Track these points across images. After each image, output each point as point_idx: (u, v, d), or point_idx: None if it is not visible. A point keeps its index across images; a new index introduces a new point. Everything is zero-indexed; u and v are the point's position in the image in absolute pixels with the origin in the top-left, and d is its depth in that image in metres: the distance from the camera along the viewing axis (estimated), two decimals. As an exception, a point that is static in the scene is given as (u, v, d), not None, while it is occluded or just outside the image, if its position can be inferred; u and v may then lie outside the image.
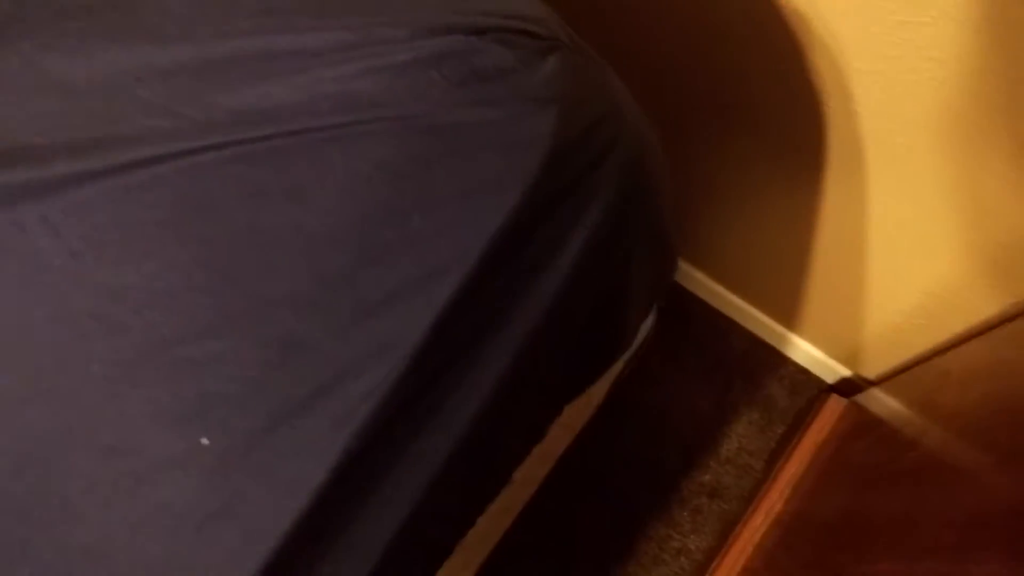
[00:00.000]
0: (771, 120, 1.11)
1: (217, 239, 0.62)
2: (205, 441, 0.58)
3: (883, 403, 1.33)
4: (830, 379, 1.58)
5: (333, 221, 0.63)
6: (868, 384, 1.48)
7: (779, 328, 1.58)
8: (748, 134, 1.17)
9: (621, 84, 0.80)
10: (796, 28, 0.94)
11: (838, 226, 1.23)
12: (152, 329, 0.60)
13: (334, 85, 0.65)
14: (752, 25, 0.98)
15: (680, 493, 1.55)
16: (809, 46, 0.95)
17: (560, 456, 1.43)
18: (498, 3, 0.71)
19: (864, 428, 1.33)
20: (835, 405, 1.47)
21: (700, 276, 1.61)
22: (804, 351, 1.58)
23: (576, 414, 1.18)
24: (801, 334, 1.56)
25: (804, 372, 1.62)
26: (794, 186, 1.19)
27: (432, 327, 0.64)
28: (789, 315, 1.53)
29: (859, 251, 1.26)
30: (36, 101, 0.64)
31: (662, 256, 0.96)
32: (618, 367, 1.17)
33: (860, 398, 1.44)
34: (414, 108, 0.65)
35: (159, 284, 0.61)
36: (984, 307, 1.12)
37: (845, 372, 1.54)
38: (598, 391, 1.17)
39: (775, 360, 1.64)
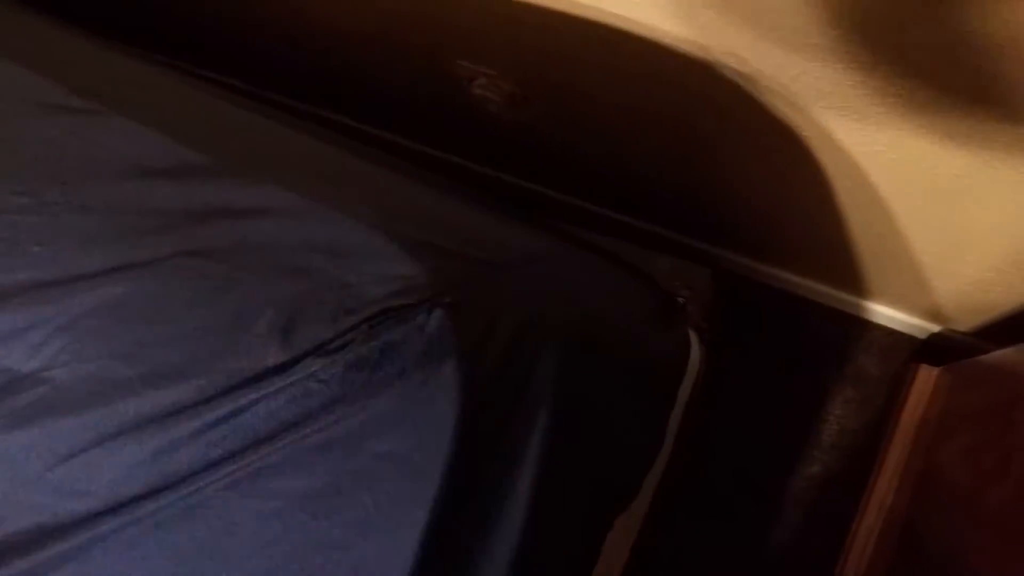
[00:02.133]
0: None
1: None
2: None
3: (987, 365, 1.24)
4: (920, 335, 1.49)
5: (256, 567, 0.65)
6: (964, 337, 1.39)
7: (854, 299, 1.49)
8: (759, 150, 1.12)
9: (539, 274, 0.77)
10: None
11: (877, 200, 1.15)
12: None
13: (220, 431, 0.66)
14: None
15: (790, 491, 1.52)
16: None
17: (657, 485, 1.41)
18: (361, 286, 0.69)
19: (963, 401, 1.25)
20: (926, 376, 1.39)
21: (757, 265, 1.54)
22: (885, 314, 1.49)
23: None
24: (878, 299, 1.47)
25: (891, 334, 1.53)
26: (814, 183, 1.13)
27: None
28: (860, 283, 1.45)
29: (908, 214, 1.18)
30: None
31: (650, 377, 0.92)
32: (685, 395, 1.15)
33: (955, 366, 1.35)
34: (302, 428, 0.65)
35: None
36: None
37: (934, 328, 1.44)
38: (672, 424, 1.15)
39: (857, 329, 1.56)
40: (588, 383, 0.81)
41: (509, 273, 0.77)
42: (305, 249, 0.73)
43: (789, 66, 0.84)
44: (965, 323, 1.41)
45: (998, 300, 1.28)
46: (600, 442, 0.86)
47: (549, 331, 0.76)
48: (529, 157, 1.49)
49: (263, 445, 0.66)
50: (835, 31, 0.75)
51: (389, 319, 0.69)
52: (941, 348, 1.47)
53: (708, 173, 1.26)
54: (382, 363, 0.68)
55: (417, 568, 0.66)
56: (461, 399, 0.69)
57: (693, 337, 1.16)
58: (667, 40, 0.90)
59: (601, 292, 0.87)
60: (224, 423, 0.67)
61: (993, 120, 0.82)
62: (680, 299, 1.12)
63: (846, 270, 1.43)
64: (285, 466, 0.66)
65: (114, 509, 0.67)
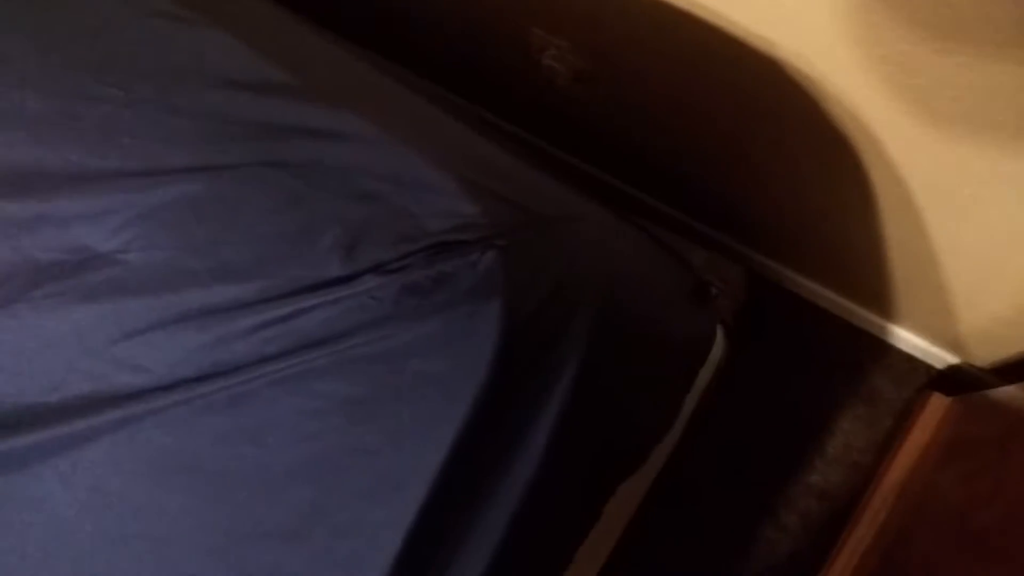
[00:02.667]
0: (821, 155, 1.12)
1: (196, 485, 0.72)
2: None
3: (992, 399, 1.28)
4: (938, 365, 1.53)
5: (291, 459, 0.70)
6: (979, 372, 1.42)
7: (878, 319, 1.53)
8: (809, 157, 1.17)
9: (583, 234, 0.82)
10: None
11: (919, 225, 1.18)
12: (161, 574, 0.70)
13: (275, 329, 0.71)
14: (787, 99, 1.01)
15: (787, 495, 1.56)
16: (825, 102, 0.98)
17: (662, 466, 1.46)
18: (423, 217, 0.74)
19: (968, 430, 1.29)
20: (937, 404, 1.43)
21: (789, 272, 1.58)
22: (907, 339, 1.53)
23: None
24: (902, 323, 1.51)
25: (909, 360, 1.58)
26: (859, 198, 1.18)
27: (404, 539, 0.70)
28: (887, 305, 1.49)
29: (946, 244, 1.21)
30: (36, 362, 0.74)
31: (673, 355, 0.97)
32: (703, 382, 1.20)
33: (966, 397, 1.39)
34: (352, 339, 0.71)
35: (154, 532, 0.71)
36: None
37: (953, 359, 1.48)
38: (684, 409, 1.19)
39: (877, 350, 1.60)
40: (616, 346, 0.86)
41: (558, 228, 0.82)
42: (376, 176, 0.79)
43: (855, 74, 0.87)
44: (983, 358, 1.44)
45: (1018, 339, 1.31)
46: (617, 405, 0.91)
47: (588, 289, 0.81)
48: (584, 135, 1.54)
49: (314, 349, 0.71)
50: (905, 45, 0.79)
51: (446, 251, 0.74)
52: (956, 379, 1.50)
53: (756, 174, 1.29)
54: (434, 290, 0.73)
55: (439, 483, 0.72)
56: (500, 337, 0.74)
57: (719, 330, 1.20)
58: (740, 33, 0.94)
59: (640, 264, 0.92)
60: (280, 323, 0.72)
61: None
62: (713, 290, 1.16)
63: (876, 290, 1.46)
64: (331, 371, 0.71)
65: (168, 387, 0.73)
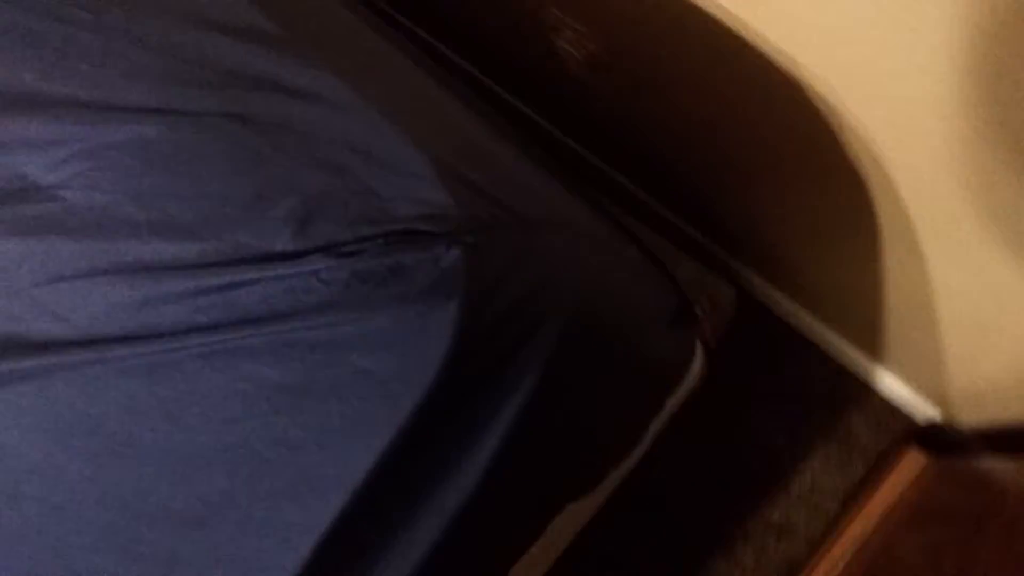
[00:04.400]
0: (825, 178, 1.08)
1: (99, 453, 0.66)
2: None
3: (976, 469, 1.23)
4: (920, 418, 1.47)
5: (207, 441, 0.64)
6: (965, 436, 1.37)
7: (864, 360, 1.47)
8: (822, 183, 1.12)
9: (566, 241, 0.75)
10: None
11: (923, 271, 1.13)
12: (47, 542, 0.64)
13: (210, 298, 0.65)
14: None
15: (745, 529, 1.51)
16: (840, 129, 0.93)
17: (618, 485, 1.40)
18: (389, 200, 0.67)
19: (943, 497, 1.24)
20: (913, 461, 1.37)
21: (779, 296, 1.52)
22: (891, 386, 1.47)
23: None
24: (889, 367, 1.45)
25: (891, 408, 1.52)
26: (865, 234, 1.13)
27: (317, 544, 0.64)
28: (876, 346, 1.43)
29: (947, 297, 1.15)
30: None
31: (644, 377, 0.91)
32: (674, 405, 1.13)
33: (947, 460, 1.33)
34: (292, 321, 0.64)
35: (47, 495, 0.65)
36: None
37: (935, 414, 1.42)
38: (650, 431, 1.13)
39: (859, 391, 1.54)
40: (582, 364, 0.80)
41: (538, 232, 0.75)
42: (346, 146, 0.72)
43: (874, 105, 0.81)
44: (967, 419, 1.39)
45: (1007, 407, 1.26)
46: (575, 426, 0.85)
47: (560, 301, 0.74)
48: (591, 125, 1.47)
49: (249, 326, 0.65)
50: (941, 85, 0.72)
51: (408, 241, 0.68)
52: (936, 438, 1.45)
53: (765, 193, 1.23)
54: (388, 282, 0.67)
55: (365, 490, 0.66)
56: (454, 341, 0.68)
57: (699, 351, 1.14)
58: (763, 46, 0.88)
59: (623, 279, 0.85)
60: (217, 293, 0.66)
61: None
62: (698, 311, 1.10)
63: (868, 329, 1.41)
64: (264, 353, 0.65)
65: (86, 343, 0.66)
